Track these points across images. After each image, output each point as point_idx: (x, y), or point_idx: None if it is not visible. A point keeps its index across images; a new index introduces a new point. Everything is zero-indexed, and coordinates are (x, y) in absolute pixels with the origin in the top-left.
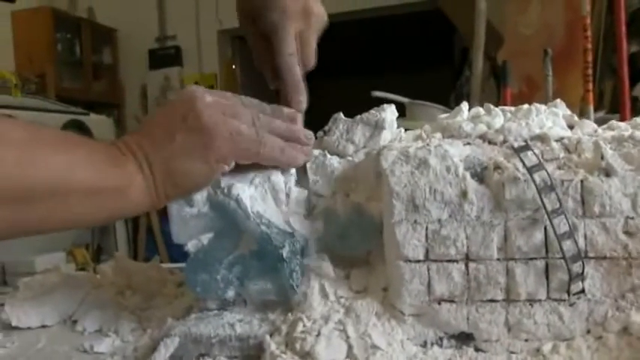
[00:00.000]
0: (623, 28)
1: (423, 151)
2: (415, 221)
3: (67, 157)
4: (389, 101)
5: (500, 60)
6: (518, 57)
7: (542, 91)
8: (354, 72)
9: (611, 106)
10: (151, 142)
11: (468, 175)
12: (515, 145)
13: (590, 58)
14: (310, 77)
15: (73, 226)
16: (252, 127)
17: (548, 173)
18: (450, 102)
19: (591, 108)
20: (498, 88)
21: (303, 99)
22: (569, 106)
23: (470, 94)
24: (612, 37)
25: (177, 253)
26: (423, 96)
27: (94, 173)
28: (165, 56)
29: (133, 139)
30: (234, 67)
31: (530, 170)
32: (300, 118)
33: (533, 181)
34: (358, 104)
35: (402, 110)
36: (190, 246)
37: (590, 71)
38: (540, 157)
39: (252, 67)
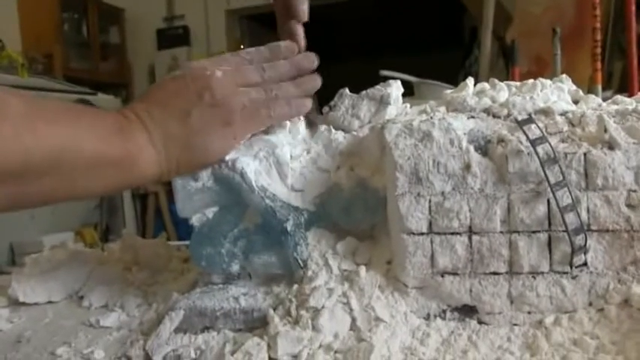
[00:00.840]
0: (633, 7)
1: (426, 124)
2: (418, 194)
3: (69, 129)
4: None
5: (509, 39)
6: (528, 36)
7: (551, 71)
8: (363, 52)
9: (620, 87)
10: (167, 116)
11: (471, 148)
12: (519, 118)
13: (599, 37)
14: (319, 59)
15: (80, 198)
16: (260, 90)
17: (551, 146)
18: (458, 81)
19: (599, 87)
20: (507, 68)
21: (306, 8)
22: (577, 85)
23: (478, 74)
24: (622, 17)
25: (184, 233)
26: (432, 76)
27: (98, 144)
28: (173, 36)
29: (143, 109)
30: (242, 47)
31: (534, 143)
32: (300, 31)
33: (537, 154)
34: (367, 84)
35: (410, 90)
36: (195, 220)
37: (598, 50)
38: (544, 130)
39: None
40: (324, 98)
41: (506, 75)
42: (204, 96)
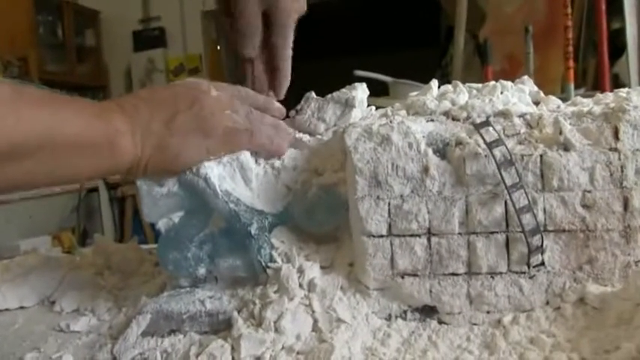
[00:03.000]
0: (603, 6)
1: (385, 128)
2: (378, 197)
3: (52, 113)
4: (372, 81)
5: (482, 38)
6: (501, 35)
7: (524, 69)
8: (340, 51)
9: (594, 84)
10: (152, 113)
11: (429, 151)
12: (477, 121)
13: (570, 35)
14: (296, 57)
15: (60, 183)
16: (246, 120)
17: (507, 148)
18: None
19: (571, 85)
20: (483, 66)
21: (285, 90)
22: (551, 83)
23: (453, 73)
24: (594, 15)
25: None
26: (409, 75)
27: (80, 128)
28: (149, 38)
29: (130, 102)
30: (218, 47)
31: (490, 145)
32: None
33: (493, 157)
34: (343, 84)
35: (386, 90)
36: (161, 225)
37: (570, 48)
38: (502, 132)
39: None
40: (299, 96)
41: (482, 74)
42: (194, 106)
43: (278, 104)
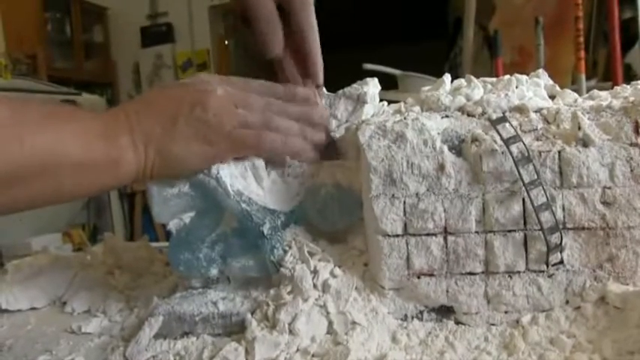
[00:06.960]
0: None
1: (400, 125)
2: (393, 195)
3: (54, 135)
4: (380, 74)
5: (491, 30)
6: (511, 26)
7: (534, 61)
8: (347, 43)
9: (605, 75)
10: (153, 118)
11: (445, 148)
12: (493, 117)
13: (581, 26)
14: None
15: (66, 201)
16: (258, 116)
17: (525, 144)
18: (444, 73)
19: (583, 77)
20: (492, 59)
21: (322, 74)
22: (561, 74)
23: (462, 65)
24: (606, 4)
25: None
26: (417, 67)
27: (82, 149)
28: (157, 33)
29: (133, 109)
30: (226, 42)
31: (507, 142)
32: (318, 92)
33: (510, 153)
34: (350, 77)
35: (394, 82)
36: (172, 225)
37: (581, 39)
38: (518, 128)
39: (245, 43)
40: None
41: (491, 66)
42: (195, 109)
43: (302, 89)
